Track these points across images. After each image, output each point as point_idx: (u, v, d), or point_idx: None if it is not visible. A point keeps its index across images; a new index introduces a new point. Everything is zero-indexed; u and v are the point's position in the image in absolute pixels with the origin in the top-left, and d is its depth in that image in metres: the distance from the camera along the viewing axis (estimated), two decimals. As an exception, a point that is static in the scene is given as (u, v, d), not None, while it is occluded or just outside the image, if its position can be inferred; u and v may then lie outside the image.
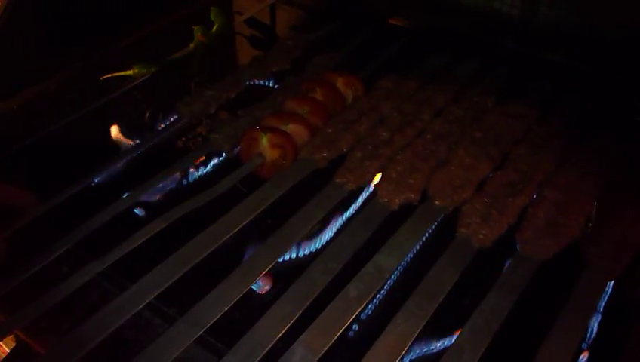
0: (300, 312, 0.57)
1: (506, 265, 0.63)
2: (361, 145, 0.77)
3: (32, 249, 0.64)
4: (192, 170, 0.80)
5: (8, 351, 0.63)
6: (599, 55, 0.93)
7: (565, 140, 0.78)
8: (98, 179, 0.76)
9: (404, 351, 0.54)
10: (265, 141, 0.75)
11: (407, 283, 0.61)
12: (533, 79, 0.93)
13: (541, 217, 0.67)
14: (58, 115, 0.87)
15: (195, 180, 0.80)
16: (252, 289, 0.62)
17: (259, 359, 0.52)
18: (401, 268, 0.65)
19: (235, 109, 0.86)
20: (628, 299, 0.63)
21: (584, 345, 0.58)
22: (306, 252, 0.69)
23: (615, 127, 0.83)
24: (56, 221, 0.69)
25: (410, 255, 0.65)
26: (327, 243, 0.69)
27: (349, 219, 0.72)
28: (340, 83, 0.87)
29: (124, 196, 0.72)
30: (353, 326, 0.60)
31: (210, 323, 0.55)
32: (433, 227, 0.68)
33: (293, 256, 0.68)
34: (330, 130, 0.79)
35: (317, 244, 0.69)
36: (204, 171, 0.80)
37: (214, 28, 1.07)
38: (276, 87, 0.93)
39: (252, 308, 0.60)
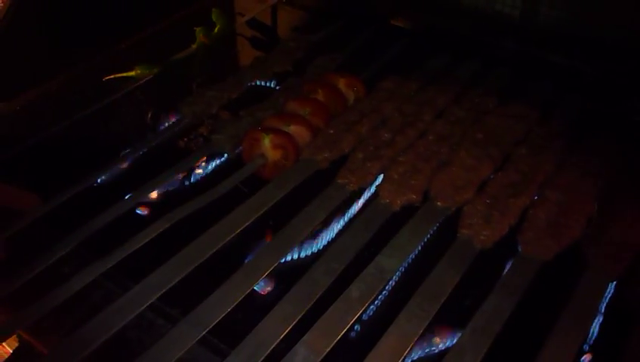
0: (303, 313, 0.57)
1: (508, 265, 0.63)
2: (363, 146, 0.78)
3: (35, 249, 0.64)
4: (194, 170, 0.80)
5: (11, 352, 0.63)
6: (600, 55, 0.94)
7: (566, 141, 0.78)
8: (101, 179, 0.76)
9: (406, 352, 0.54)
10: (267, 142, 0.75)
11: (409, 283, 0.61)
12: (534, 80, 0.93)
13: (542, 218, 0.67)
14: (61, 116, 0.88)
15: (197, 181, 0.80)
16: (254, 289, 0.62)
17: (261, 359, 0.53)
18: (402, 269, 0.65)
19: (237, 110, 0.86)
20: (629, 300, 0.63)
21: (585, 346, 0.59)
22: (308, 252, 0.69)
23: (616, 128, 0.83)
24: (59, 221, 0.69)
25: (412, 256, 0.65)
26: (329, 243, 0.69)
27: (351, 220, 0.72)
28: (341, 84, 0.87)
29: (127, 197, 0.72)
30: (355, 327, 0.60)
31: (213, 323, 0.55)
32: (435, 228, 0.68)
33: (295, 256, 0.68)
34: (331, 131, 0.79)
35: (319, 245, 0.70)
36: (206, 172, 0.81)
37: (216, 29, 1.07)
38: (278, 88, 0.93)
39: (254, 308, 0.60)
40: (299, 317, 0.56)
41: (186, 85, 0.97)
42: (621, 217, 0.67)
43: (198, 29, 1.04)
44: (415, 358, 0.58)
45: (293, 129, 0.77)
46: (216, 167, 0.81)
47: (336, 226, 0.72)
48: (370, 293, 0.59)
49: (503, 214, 0.67)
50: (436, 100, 0.86)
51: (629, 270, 0.62)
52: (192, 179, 0.80)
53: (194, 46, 1.04)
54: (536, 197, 0.70)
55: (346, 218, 0.73)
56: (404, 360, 0.54)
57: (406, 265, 0.65)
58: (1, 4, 0.87)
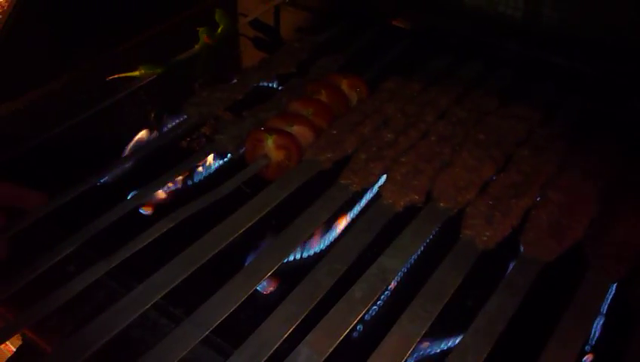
0: (306, 313, 0.57)
1: (510, 266, 0.63)
2: (366, 146, 0.78)
3: (39, 249, 0.64)
4: (197, 170, 0.81)
5: (14, 350, 0.63)
6: (601, 57, 0.94)
7: (568, 141, 0.79)
8: (104, 179, 0.76)
9: (409, 352, 0.54)
10: (270, 142, 0.75)
11: (411, 284, 0.62)
12: (536, 81, 0.93)
13: (544, 219, 0.67)
14: (64, 116, 0.88)
15: (200, 181, 0.80)
16: (257, 289, 0.62)
17: (264, 359, 0.53)
18: (405, 270, 0.65)
19: (240, 110, 0.86)
20: (631, 301, 0.63)
21: (587, 347, 0.59)
22: (311, 253, 0.69)
23: (618, 128, 0.83)
24: (62, 221, 0.69)
25: (415, 256, 0.66)
26: (332, 244, 0.69)
27: (354, 221, 0.72)
28: (344, 85, 0.88)
29: (130, 196, 0.72)
30: (358, 327, 0.60)
31: (217, 323, 0.56)
32: (437, 228, 0.68)
33: (298, 256, 0.68)
34: (334, 132, 0.79)
35: (321, 245, 0.70)
36: (209, 172, 0.81)
37: (219, 29, 1.07)
38: (280, 88, 0.93)
39: (257, 308, 0.60)
40: (302, 317, 0.57)
41: (189, 85, 0.97)
42: (623, 218, 0.67)
43: (201, 30, 1.04)
44: (418, 359, 0.59)
45: (296, 129, 0.77)
46: (219, 167, 0.81)
47: (339, 227, 0.72)
48: (373, 294, 0.59)
49: (505, 215, 0.67)
50: (438, 101, 0.87)
51: (630, 271, 0.62)
52: (195, 179, 0.80)
53: (197, 46, 1.04)
54: (538, 198, 0.70)
55: (349, 218, 0.73)
56: (406, 360, 0.54)
57: (408, 265, 0.65)
58: (5, 5, 0.88)
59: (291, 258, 0.67)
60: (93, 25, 0.99)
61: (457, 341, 0.57)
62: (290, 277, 0.62)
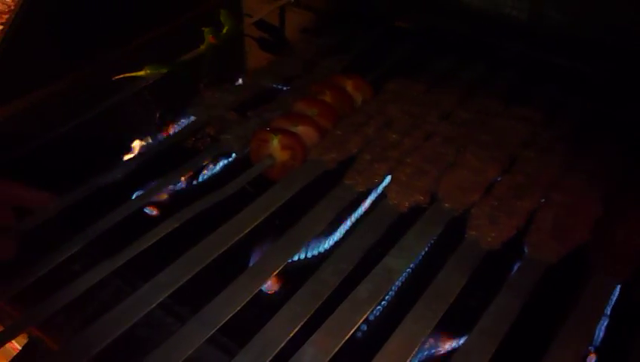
0: (311, 313, 0.57)
1: (515, 267, 0.63)
2: (370, 147, 0.78)
3: (44, 247, 0.64)
4: (202, 170, 0.81)
5: (20, 348, 0.64)
6: (606, 58, 0.94)
7: (572, 143, 0.79)
8: (111, 179, 0.76)
9: (413, 352, 0.54)
10: (275, 142, 0.76)
11: (416, 284, 0.62)
12: (540, 82, 0.93)
13: (548, 220, 0.67)
14: (70, 115, 0.88)
15: (204, 180, 0.80)
16: (262, 289, 0.62)
17: (270, 358, 0.53)
18: (410, 270, 0.65)
19: (244, 111, 0.86)
20: (635, 302, 0.63)
21: (591, 348, 0.59)
22: (315, 253, 0.69)
23: (622, 130, 0.83)
24: (68, 220, 0.69)
25: (420, 257, 0.66)
26: (337, 244, 0.70)
27: (359, 221, 0.73)
28: (348, 85, 0.88)
29: (135, 196, 0.72)
30: (362, 327, 0.60)
31: (222, 322, 0.56)
32: (442, 229, 0.68)
33: (302, 256, 0.69)
34: (339, 132, 0.80)
35: (326, 245, 0.70)
36: (214, 172, 0.81)
37: (224, 30, 1.07)
38: (285, 89, 0.93)
39: (262, 308, 0.60)
40: (307, 316, 0.57)
41: (194, 86, 0.97)
42: (627, 219, 0.67)
43: (206, 30, 1.05)
44: (422, 359, 0.59)
45: (301, 130, 0.77)
46: (224, 167, 0.82)
47: (344, 227, 0.72)
48: (378, 294, 0.59)
49: (510, 216, 0.67)
50: (443, 102, 0.87)
51: (635, 272, 0.62)
52: (200, 179, 0.80)
53: (202, 46, 1.04)
54: (542, 200, 0.70)
55: (354, 219, 0.73)
56: (411, 360, 0.54)
57: (413, 266, 0.65)
58: (12, 4, 0.88)
59: (296, 258, 0.67)
60: (99, 25, 0.99)
61: (462, 341, 0.58)
62: (296, 276, 0.62)
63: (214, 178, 0.80)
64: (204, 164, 0.81)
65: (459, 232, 0.67)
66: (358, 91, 0.88)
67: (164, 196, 0.76)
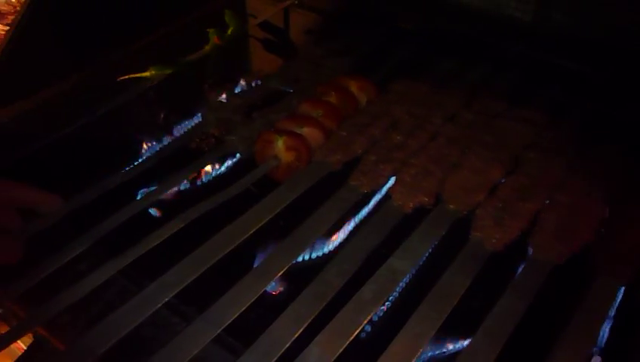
0: (316, 313, 0.57)
1: (519, 269, 0.64)
2: (375, 148, 0.78)
3: (50, 247, 0.64)
4: (207, 171, 0.81)
5: (25, 348, 0.64)
6: (609, 59, 0.94)
7: (576, 144, 0.79)
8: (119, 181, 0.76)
9: (418, 353, 0.54)
10: (280, 144, 0.76)
11: (420, 285, 0.62)
12: (544, 84, 0.93)
13: (553, 221, 0.68)
14: (75, 116, 0.89)
15: (209, 181, 0.81)
16: (266, 289, 0.63)
17: (275, 359, 0.53)
18: (414, 271, 0.65)
19: (250, 112, 0.87)
20: (639, 304, 0.63)
21: (595, 350, 0.59)
22: (319, 254, 0.69)
23: (625, 131, 0.83)
24: (73, 220, 0.69)
25: (424, 258, 0.66)
26: (342, 245, 0.70)
27: (363, 222, 0.73)
28: (353, 87, 0.88)
29: (142, 196, 0.73)
30: (366, 328, 0.60)
31: (228, 322, 0.56)
32: (446, 230, 0.68)
33: (307, 257, 0.69)
34: (344, 133, 0.80)
35: (330, 246, 0.70)
36: (219, 173, 0.81)
37: (229, 31, 1.07)
38: (290, 90, 0.94)
39: (268, 308, 0.61)
40: (312, 317, 0.57)
41: (198, 86, 0.98)
42: (632, 221, 0.68)
43: (211, 31, 1.05)
44: (426, 360, 0.59)
45: (306, 131, 0.78)
46: (229, 168, 0.82)
47: (348, 228, 0.72)
48: (383, 295, 0.60)
49: (514, 218, 0.67)
50: (446, 103, 0.87)
51: (638, 274, 0.62)
52: (204, 180, 0.81)
53: (207, 47, 1.05)
54: (547, 201, 0.70)
55: (358, 220, 0.73)
56: (415, 361, 0.55)
57: (417, 267, 0.66)
58: (18, 5, 0.88)
59: (301, 258, 0.67)
60: (103, 25, 1.00)
61: (466, 343, 0.58)
62: (300, 277, 0.62)
63: (219, 179, 0.81)
64: (210, 164, 0.81)
65: (463, 233, 0.67)
66: (362, 92, 0.88)
67: (170, 196, 0.76)
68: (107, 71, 0.98)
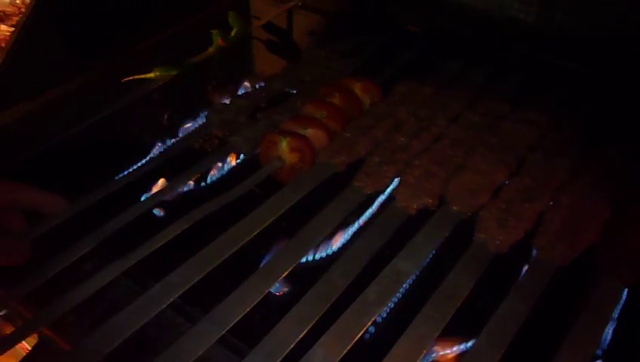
0: (320, 314, 0.57)
1: (523, 270, 0.64)
2: (379, 149, 0.78)
3: (55, 248, 0.65)
4: (211, 172, 0.81)
5: (30, 348, 0.64)
6: (614, 61, 0.94)
7: (580, 146, 0.79)
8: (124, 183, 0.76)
9: (422, 354, 0.55)
10: (284, 145, 0.76)
11: (424, 287, 0.62)
12: (548, 85, 0.93)
13: (557, 223, 0.68)
14: (79, 117, 0.89)
15: (213, 182, 0.81)
16: (271, 290, 0.63)
17: (280, 359, 0.53)
18: (418, 272, 0.65)
19: (254, 113, 0.87)
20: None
21: (599, 351, 0.59)
22: (323, 255, 0.70)
23: (629, 133, 0.83)
24: (78, 220, 0.69)
25: (428, 259, 0.66)
26: (346, 246, 0.70)
27: (367, 223, 0.73)
28: (357, 88, 0.88)
29: (146, 197, 0.73)
30: (370, 329, 0.60)
31: (233, 323, 0.56)
32: (450, 232, 0.68)
33: (310, 258, 0.69)
34: (348, 135, 0.80)
35: (334, 247, 0.70)
36: (223, 173, 0.81)
37: (233, 32, 1.08)
38: (294, 91, 0.94)
39: (272, 309, 0.61)
40: (316, 318, 0.57)
41: (202, 87, 0.98)
42: (635, 222, 0.68)
43: (215, 32, 1.05)
44: (430, 361, 0.59)
45: (310, 132, 0.78)
46: (233, 169, 0.82)
47: (352, 229, 0.72)
48: (387, 296, 0.60)
49: (519, 219, 0.67)
50: (451, 105, 0.87)
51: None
52: (208, 181, 0.81)
53: (211, 49, 1.05)
54: (551, 203, 0.70)
55: (362, 221, 0.73)
56: (420, 362, 0.55)
57: (421, 268, 0.66)
58: (23, 7, 0.88)
59: (305, 259, 0.67)
60: (108, 27, 1.00)
61: (470, 344, 0.58)
62: (305, 278, 0.62)
63: (223, 179, 0.81)
64: (214, 165, 0.81)
65: (467, 235, 0.67)
66: (366, 94, 0.88)
67: (174, 197, 0.77)
68: (111, 72, 0.99)
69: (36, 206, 0.66)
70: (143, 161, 0.81)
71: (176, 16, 1.12)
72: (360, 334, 0.56)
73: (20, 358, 0.63)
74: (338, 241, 0.71)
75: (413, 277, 0.64)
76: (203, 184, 0.81)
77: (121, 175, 0.77)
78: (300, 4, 1.21)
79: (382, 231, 0.67)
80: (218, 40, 1.05)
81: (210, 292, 0.60)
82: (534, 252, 0.65)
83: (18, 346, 0.60)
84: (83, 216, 0.70)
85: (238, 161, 0.83)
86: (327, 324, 0.56)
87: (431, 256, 0.66)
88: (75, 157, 0.84)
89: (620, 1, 0.90)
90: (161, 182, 0.78)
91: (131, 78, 0.96)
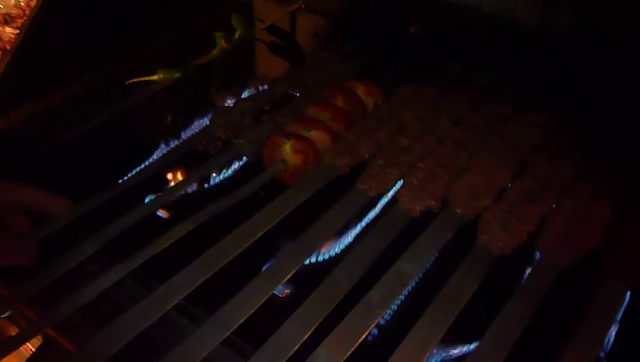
0: (324, 316, 0.58)
1: (526, 272, 0.64)
2: (383, 152, 0.78)
3: (60, 249, 0.65)
4: (214, 173, 0.81)
5: (34, 350, 0.64)
6: (616, 64, 0.94)
7: (583, 148, 0.79)
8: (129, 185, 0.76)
9: (426, 356, 0.55)
10: (288, 147, 0.76)
11: (428, 289, 0.62)
12: (552, 88, 0.93)
13: (560, 225, 0.68)
14: (83, 119, 0.89)
15: (217, 184, 0.81)
16: (275, 292, 0.63)
17: (284, 361, 0.54)
18: (421, 274, 0.65)
19: (258, 115, 0.87)
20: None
21: (602, 354, 0.59)
22: (326, 257, 0.70)
23: (633, 136, 0.83)
24: (83, 221, 0.70)
25: (431, 261, 0.66)
26: (350, 248, 0.70)
27: (371, 225, 0.73)
28: (360, 90, 0.88)
29: (150, 199, 0.73)
30: (373, 331, 0.60)
31: (237, 324, 0.56)
32: (454, 234, 0.68)
33: (313, 260, 0.69)
34: (351, 137, 0.80)
35: (337, 249, 0.71)
36: (227, 176, 0.82)
37: (236, 34, 1.08)
38: (298, 94, 0.94)
39: (275, 310, 0.61)
40: (320, 320, 0.57)
41: (206, 89, 0.98)
42: (638, 225, 0.68)
43: (218, 34, 1.06)
44: (434, 363, 0.59)
45: (313, 134, 0.78)
46: (237, 171, 0.82)
47: (356, 231, 0.73)
48: (391, 298, 0.60)
49: (522, 221, 0.67)
50: (454, 107, 0.87)
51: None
52: (212, 183, 0.81)
53: (215, 51, 1.05)
54: (554, 205, 0.71)
55: (365, 223, 0.74)
56: (423, 364, 0.55)
57: (425, 270, 0.66)
58: (27, 9, 0.89)
59: (309, 261, 0.67)
60: (112, 29, 1.00)
61: (473, 346, 0.58)
62: (309, 280, 0.62)
63: (227, 181, 0.81)
64: (218, 167, 0.81)
65: (470, 237, 0.67)
66: (370, 96, 0.88)
67: (178, 199, 0.77)
68: (116, 74, 0.99)
69: (40, 207, 0.67)
70: (147, 163, 0.81)
71: (180, 19, 1.12)
72: (364, 336, 0.56)
73: (25, 359, 0.63)
74: (341, 243, 0.71)
75: (417, 279, 0.64)
76: (207, 186, 0.81)
77: (125, 176, 0.77)
78: (303, 6, 1.22)
79: (385, 233, 0.68)
80: (222, 42, 1.05)
81: (214, 293, 0.60)
82: (537, 254, 0.66)
83: (22, 347, 0.60)
84: (88, 217, 0.70)
85: (241, 162, 0.83)
86: (330, 326, 0.57)
87: (434, 258, 0.66)
88: (79, 159, 0.84)
89: (623, 5, 0.90)
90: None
91: (135, 80, 0.96)
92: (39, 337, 0.63)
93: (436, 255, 0.66)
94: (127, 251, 0.64)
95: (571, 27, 0.97)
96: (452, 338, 0.59)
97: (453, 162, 0.76)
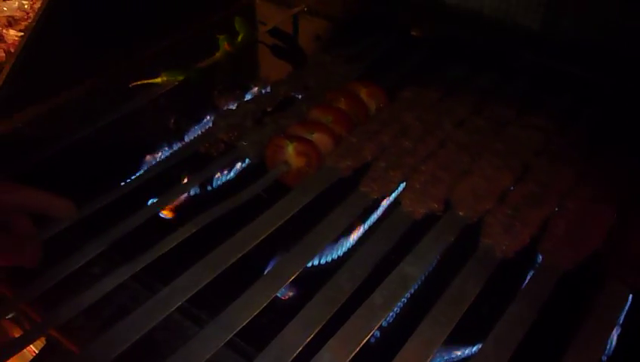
0: (327, 318, 0.58)
1: (529, 275, 0.64)
2: (385, 154, 0.78)
3: (64, 251, 0.65)
4: (217, 176, 0.82)
5: (37, 352, 0.64)
6: (618, 67, 0.94)
7: (585, 151, 0.79)
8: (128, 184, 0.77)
9: (429, 359, 0.55)
10: (290, 149, 0.76)
11: (431, 291, 0.62)
12: (554, 91, 0.93)
13: (562, 228, 0.68)
14: (87, 121, 0.89)
15: (220, 186, 0.81)
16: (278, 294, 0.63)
17: (287, 363, 0.54)
18: (425, 277, 0.65)
19: (261, 117, 0.87)
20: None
21: (604, 357, 0.59)
22: (328, 259, 0.70)
23: (635, 138, 0.83)
24: (87, 223, 0.70)
25: (434, 264, 0.66)
26: (353, 251, 0.70)
27: (374, 228, 0.73)
28: (363, 93, 0.88)
29: (153, 201, 0.73)
30: (376, 334, 0.60)
31: (240, 326, 0.57)
32: (456, 237, 0.68)
33: (316, 262, 0.69)
34: (354, 140, 0.80)
35: (339, 252, 0.71)
36: (230, 178, 0.82)
37: (239, 37, 1.08)
38: (300, 96, 0.94)
39: (278, 313, 0.61)
40: (323, 322, 0.57)
41: (208, 92, 0.98)
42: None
43: (221, 37, 1.06)
44: (437, 366, 0.59)
45: (316, 137, 0.78)
46: (240, 173, 0.82)
47: (358, 234, 0.73)
48: (394, 300, 0.60)
49: (524, 224, 0.67)
50: (456, 110, 0.87)
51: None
52: (215, 185, 0.81)
53: (218, 54, 1.05)
54: (556, 208, 0.71)
55: (368, 226, 0.74)
56: (426, 367, 0.55)
57: (428, 273, 0.66)
58: (31, 12, 0.89)
59: (312, 264, 0.67)
60: (116, 32, 1.01)
61: (476, 349, 0.58)
62: (311, 282, 0.63)
63: (230, 184, 0.81)
64: (221, 170, 0.81)
65: (473, 240, 0.67)
66: (372, 99, 0.88)
67: (181, 202, 0.77)
68: (119, 77, 0.99)
69: (44, 209, 0.67)
70: (150, 165, 0.81)
71: (183, 22, 1.13)
72: (367, 338, 0.56)
73: (28, 361, 0.64)
74: (344, 246, 0.71)
75: (420, 281, 0.65)
76: (210, 188, 0.81)
77: (128, 179, 0.77)
78: (305, 9, 1.22)
79: (388, 235, 0.68)
80: (225, 45, 1.05)
81: (217, 296, 0.60)
82: (540, 257, 0.66)
83: (25, 349, 0.60)
84: (91, 219, 0.70)
85: (244, 164, 0.83)
86: (333, 328, 0.57)
87: (437, 260, 0.66)
88: (82, 161, 0.84)
89: (625, 8, 0.90)
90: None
91: (138, 82, 0.97)
92: (42, 339, 0.63)
93: (439, 257, 0.66)
94: (131, 253, 0.64)
95: (574, 30, 0.97)
96: (455, 340, 0.59)
97: (455, 165, 0.76)
